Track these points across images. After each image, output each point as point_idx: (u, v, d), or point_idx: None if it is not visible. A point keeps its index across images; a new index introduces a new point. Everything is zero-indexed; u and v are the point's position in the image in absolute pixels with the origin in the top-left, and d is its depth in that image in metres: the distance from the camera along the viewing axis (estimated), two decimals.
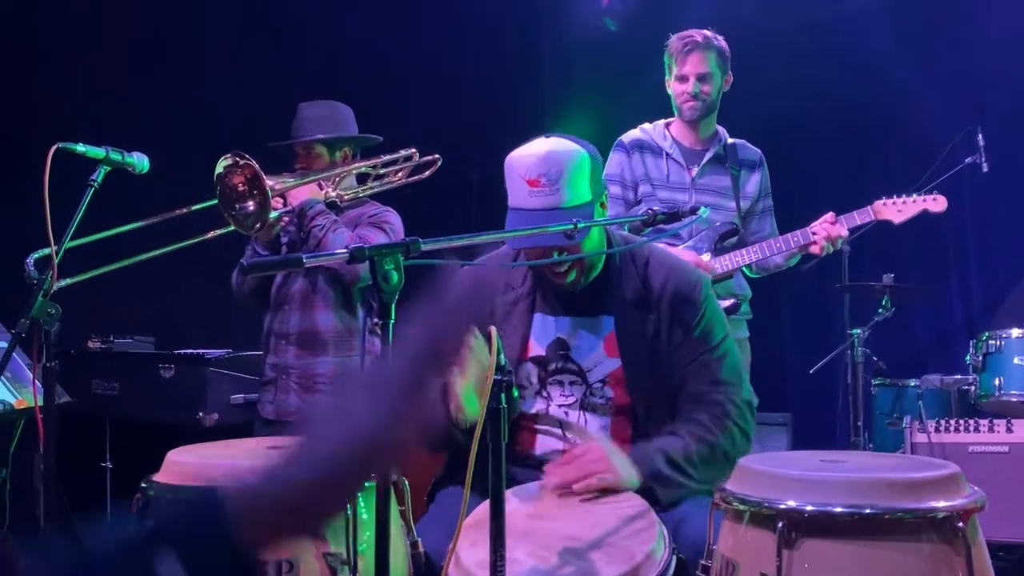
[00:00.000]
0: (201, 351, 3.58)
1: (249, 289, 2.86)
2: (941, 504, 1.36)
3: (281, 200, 2.66)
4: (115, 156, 2.32)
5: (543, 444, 1.97)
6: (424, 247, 1.40)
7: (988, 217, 4.56)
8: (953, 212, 4.54)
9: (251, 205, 2.49)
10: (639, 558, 1.53)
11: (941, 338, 4.74)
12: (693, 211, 1.78)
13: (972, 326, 4.48)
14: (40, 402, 2.22)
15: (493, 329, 1.44)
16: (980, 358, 3.63)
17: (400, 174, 2.87)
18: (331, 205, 2.75)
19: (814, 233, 2.81)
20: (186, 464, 1.65)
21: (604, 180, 1.97)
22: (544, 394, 1.98)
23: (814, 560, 1.37)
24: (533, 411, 1.98)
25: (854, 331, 3.93)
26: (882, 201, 2.91)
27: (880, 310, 3.96)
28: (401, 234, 2.80)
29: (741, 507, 1.48)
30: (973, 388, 3.61)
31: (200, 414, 3.37)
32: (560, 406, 1.96)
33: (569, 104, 5.19)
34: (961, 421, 2.89)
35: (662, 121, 3.00)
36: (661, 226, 1.95)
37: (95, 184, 2.30)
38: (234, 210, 2.49)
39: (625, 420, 1.93)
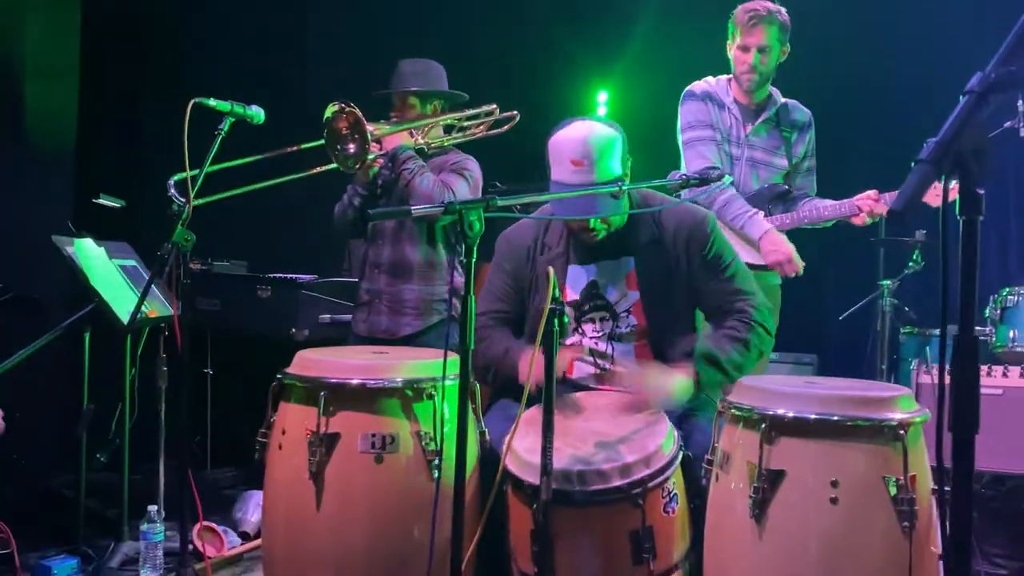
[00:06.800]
0: (294, 275, 4.05)
1: (348, 222, 3.20)
2: (887, 416, 1.77)
3: (377, 144, 2.98)
4: (238, 109, 2.71)
5: (579, 368, 2.42)
6: (500, 203, 1.81)
7: None
8: (995, 172, 4.75)
9: (352, 147, 2.83)
10: (651, 449, 1.96)
11: (978, 293, 4.98)
12: (719, 177, 2.15)
13: (1007, 283, 4.72)
14: (179, 312, 2.70)
15: (551, 269, 1.86)
16: (998, 312, 3.93)
17: (481, 127, 3.18)
18: (419, 151, 3.08)
19: (859, 207, 3.12)
20: (311, 359, 2.13)
21: (628, 154, 2.32)
22: (580, 331, 2.42)
23: (788, 452, 1.79)
24: (570, 343, 2.42)
25: (884, 282, 4.26)
26: None
27: (911, 264, 4.27)
28: (479, 180, 3.13)
29: (738, 413, 1.91)
30: (991, 339, 3.91)
31: (293, 330, 3.84)
32: (592, 338, 2.39)
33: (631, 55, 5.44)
34: None
35: (724, 76, 3.23)
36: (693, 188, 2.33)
37: (222, 132, 2.69)
38: (337, 150, 2.84)
39: (646, 344, 2.35)
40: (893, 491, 1.72)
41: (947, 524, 0.97)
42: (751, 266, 3.14)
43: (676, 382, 2.19)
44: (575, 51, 5.46)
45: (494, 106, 3.18)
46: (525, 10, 5.37)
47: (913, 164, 1.00)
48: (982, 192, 1.04)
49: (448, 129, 3.22)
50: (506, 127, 3.19)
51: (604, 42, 5.51)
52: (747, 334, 2.27)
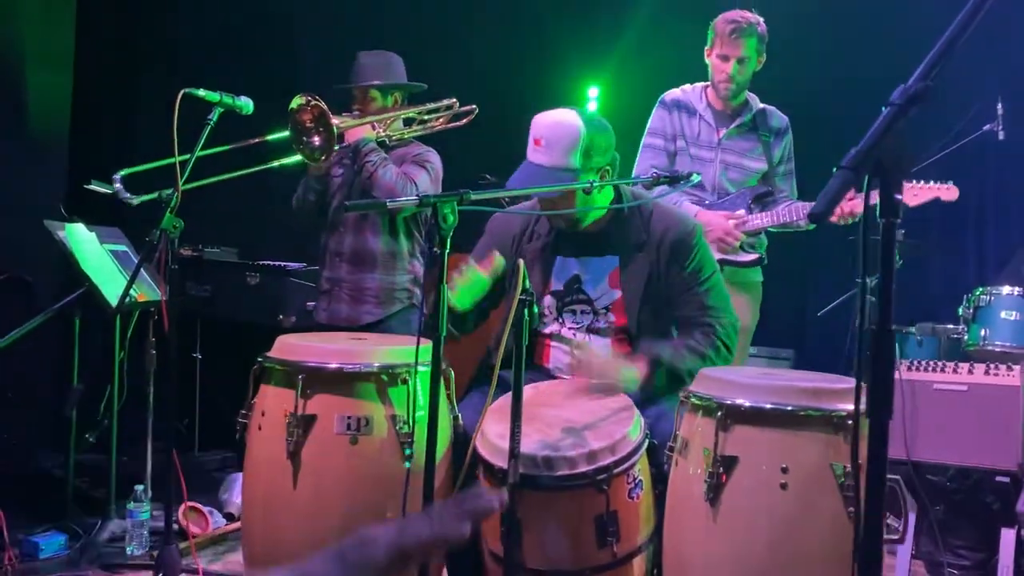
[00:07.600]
0: (283, 263, 4.13)
1: (307, 210, 3.26)
2: (837, 406, 1.85)
3: (340, 137, 3.00)
4: (227, 100, 2.75)
5: (555, 358, 2.50)
6: (473, 197, 1.88)
7: (1008, 182, 4.83)
8: (975, 175, 4.83)
9: (317, 140, 2.89)
10: (617, 437, 2.04)
11: (955, 292, 5.08)
12: (688, 176, 2.23)
13: (984, 284, 4.81)
14: (166, 296, 2.77)
15: (520, 262, 1.94)
16: (971, 311, 4.01)
17: (441, 120, 3.24)
18: (381, 144, 3.14)
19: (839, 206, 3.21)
20: (290, 344, 2.21)
21: (612, 153, 2.37)
22: (560, 320, 2.49)
23: (742, 440, 1.88)
24: (548, 331, 2.49)
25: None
26: None
27: None
28: (440, 171, 3.18)
29: (698, 402, 1.99)
30: (963, 337, 4.00)
31: (280, 316, 3.93)
32: (570, 328, 2.47)
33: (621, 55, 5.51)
34: (930, 362, 3.29)
35: (700, 84, 3.33)
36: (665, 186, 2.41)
37: (211, 123, 2.74)
38: (303, 143, 2.90)
39: (622, 340, 2.43)
40: (841, 478, 1.81)
41: (861, 504, 1.05)
42: (734, 264, 3.24)
43: (626, 371, 2.26)
44: (567, 46, 5.53)
45: (454, 100, 3.25)
46: (518, 4, 5.44)
47: (835, 169, 1.09)
48: (900, 197, 1.12)
49: (408, 122, 3.29)
50: (464, 121, 3.26)
51: (596, 38, 5.58)
52: (708, 349, 2.35)
